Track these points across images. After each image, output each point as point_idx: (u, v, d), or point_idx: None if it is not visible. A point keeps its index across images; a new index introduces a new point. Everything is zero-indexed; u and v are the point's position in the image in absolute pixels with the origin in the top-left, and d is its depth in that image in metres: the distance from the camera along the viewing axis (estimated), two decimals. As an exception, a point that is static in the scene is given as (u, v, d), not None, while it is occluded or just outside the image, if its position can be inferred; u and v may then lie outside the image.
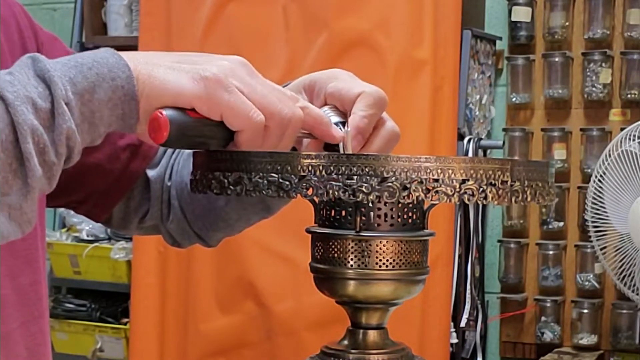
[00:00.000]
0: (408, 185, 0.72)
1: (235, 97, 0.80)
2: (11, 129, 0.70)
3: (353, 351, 0.81)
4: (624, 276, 2.72)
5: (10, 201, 0.71)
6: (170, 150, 1.10)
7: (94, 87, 0.75)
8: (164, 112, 0.78)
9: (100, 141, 0.79)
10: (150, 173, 1.09)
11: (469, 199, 0.72)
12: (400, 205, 0.79)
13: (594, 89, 3.06)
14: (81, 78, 0.75)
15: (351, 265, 0.79)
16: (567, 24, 3.09)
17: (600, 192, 2.72)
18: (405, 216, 0.80)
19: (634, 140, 2.68)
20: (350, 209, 0.79)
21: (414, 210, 0.80)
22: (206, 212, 1.07)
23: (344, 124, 0.89)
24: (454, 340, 2.88)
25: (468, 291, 2.95)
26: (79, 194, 1.08)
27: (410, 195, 0.72)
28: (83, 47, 3.54)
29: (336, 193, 0.72)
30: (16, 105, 0.71)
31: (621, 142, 2.70)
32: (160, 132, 0.77)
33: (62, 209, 3.63)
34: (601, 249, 2.75)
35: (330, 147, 0.89)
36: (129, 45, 3.23)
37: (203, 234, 1.10)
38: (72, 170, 1.05)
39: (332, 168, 0.73)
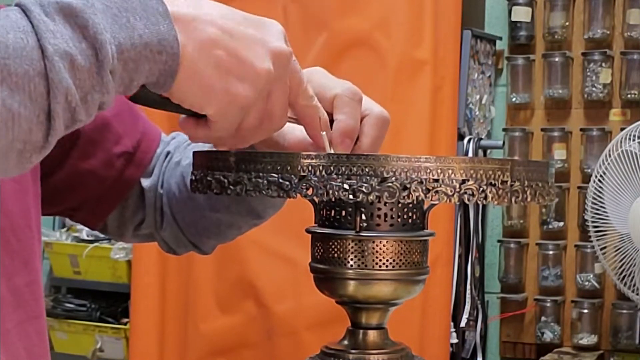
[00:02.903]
0: (408, 185, 0.72)
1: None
2: (44, 80, 0.67)
3: (353, 351, 0.81)
4: (624, 276, 2.71)
5: (23, 147, 0.68)
6: (162, 158, 1.09)
7: (140, 58, 0.72)
8: None
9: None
10: (145, 182, 1.08)
11: (469, 199, 0.72)
12: (400, 205, 0.79)
13: (594, 89, 3.06)
14: (130, 45, 0.71)
15: (351, 265, 0.79)
16: (567, 24, 3.09)
17: (600, 192, 2.72)
18: (405, 216, 0.80)
19: (634, 140, 2.67)
20: (350, 209, 0.79)
21: (414, 210, 0.80)
22: (196, 219, 1.07)
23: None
24: (454, 340, 2.87)
25: (468, 291, 2.95)
26: (73, 200, 1.08)
27: (410, 195, 0.72)
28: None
29: (336, 193, 0.72)
30: (54, 60, 0.67)
31: (621, 142, 2.70)
32: None
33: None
34: (601, 249, 2.75)
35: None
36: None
37: (196, 241, 1.10)
38: (67, 176, 1.05)
39: (332, 168, 0.73)
